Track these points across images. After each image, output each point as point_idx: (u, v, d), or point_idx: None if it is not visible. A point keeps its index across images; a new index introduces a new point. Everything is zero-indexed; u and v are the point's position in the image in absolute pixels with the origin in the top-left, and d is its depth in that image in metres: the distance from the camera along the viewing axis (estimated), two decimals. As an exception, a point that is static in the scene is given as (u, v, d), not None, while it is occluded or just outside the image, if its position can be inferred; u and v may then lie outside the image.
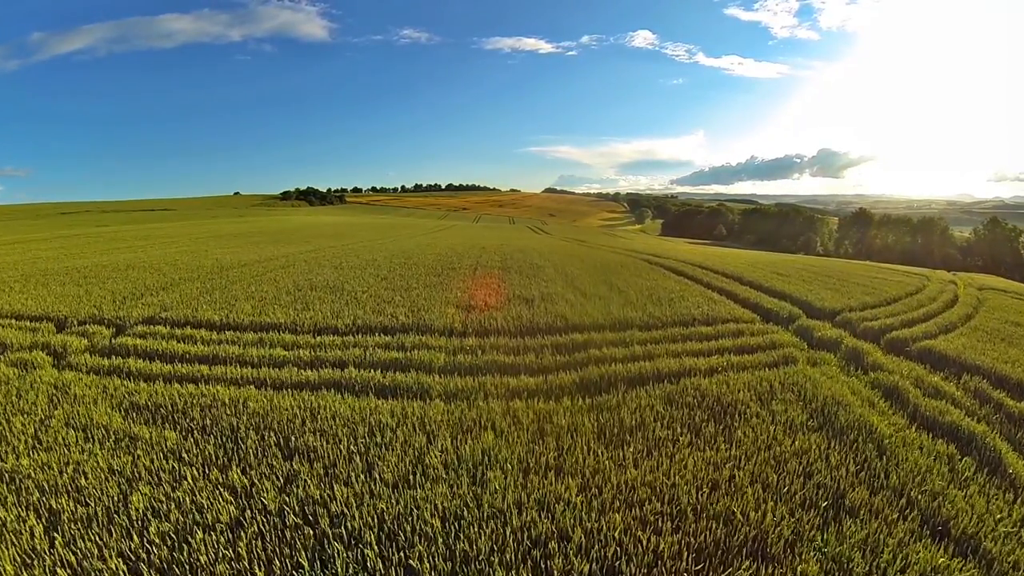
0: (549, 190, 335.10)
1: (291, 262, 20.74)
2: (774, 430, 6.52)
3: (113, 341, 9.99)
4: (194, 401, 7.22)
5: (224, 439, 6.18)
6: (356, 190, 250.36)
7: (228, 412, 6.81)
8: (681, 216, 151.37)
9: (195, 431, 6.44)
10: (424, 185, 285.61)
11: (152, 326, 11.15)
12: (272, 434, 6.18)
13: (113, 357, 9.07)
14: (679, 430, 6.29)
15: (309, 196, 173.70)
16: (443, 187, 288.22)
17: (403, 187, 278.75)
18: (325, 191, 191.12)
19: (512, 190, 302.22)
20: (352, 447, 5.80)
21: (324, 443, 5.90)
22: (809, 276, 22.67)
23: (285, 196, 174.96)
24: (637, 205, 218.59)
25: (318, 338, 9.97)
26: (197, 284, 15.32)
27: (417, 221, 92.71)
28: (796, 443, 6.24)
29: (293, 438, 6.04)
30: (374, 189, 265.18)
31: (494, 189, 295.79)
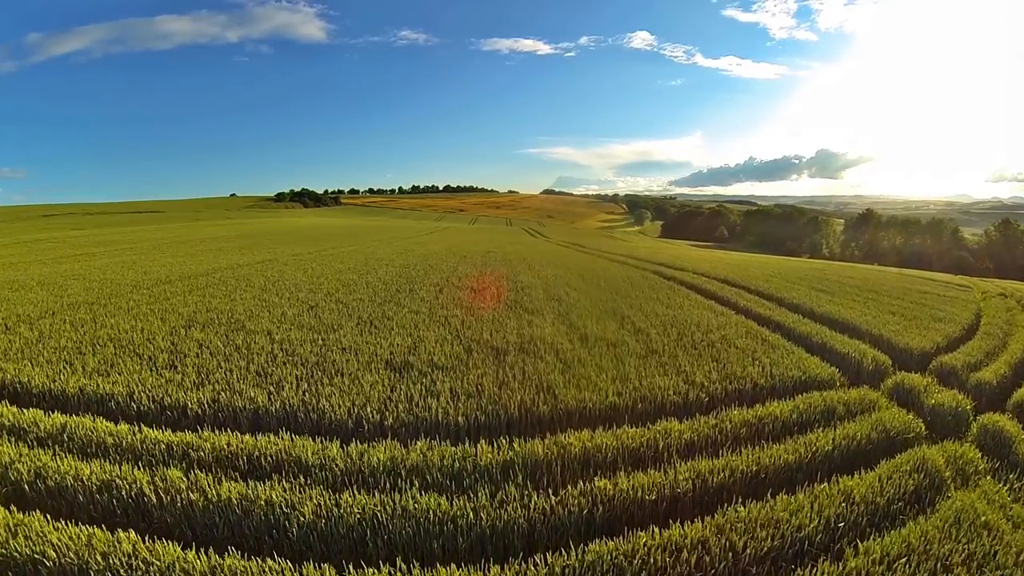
0: (547, 191, 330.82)
1: (223, 279, 16.79)
2: None
3: None
4: None
5: None
6: (353, 191, 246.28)
7: None
8: (681, 217, 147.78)
9: None
10: (422, 187, 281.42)
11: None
12: None
13: None
14: None
15: (303, 197, 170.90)
16: (441, 188, 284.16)
17: (400, 188, 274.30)
18: (321, 192, 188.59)
19: (510, 191, 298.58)
20: None
21: None
22: (856, 292, 18.94)
23: (279, 198, 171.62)
24: (636, 206, 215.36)
25: (143, 433, 5.90)
26: (80, 313, 11.33)
27: (409, 223, 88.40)
28: None
29: None
30: (371, 191, 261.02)
31: (492, 190, 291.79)
